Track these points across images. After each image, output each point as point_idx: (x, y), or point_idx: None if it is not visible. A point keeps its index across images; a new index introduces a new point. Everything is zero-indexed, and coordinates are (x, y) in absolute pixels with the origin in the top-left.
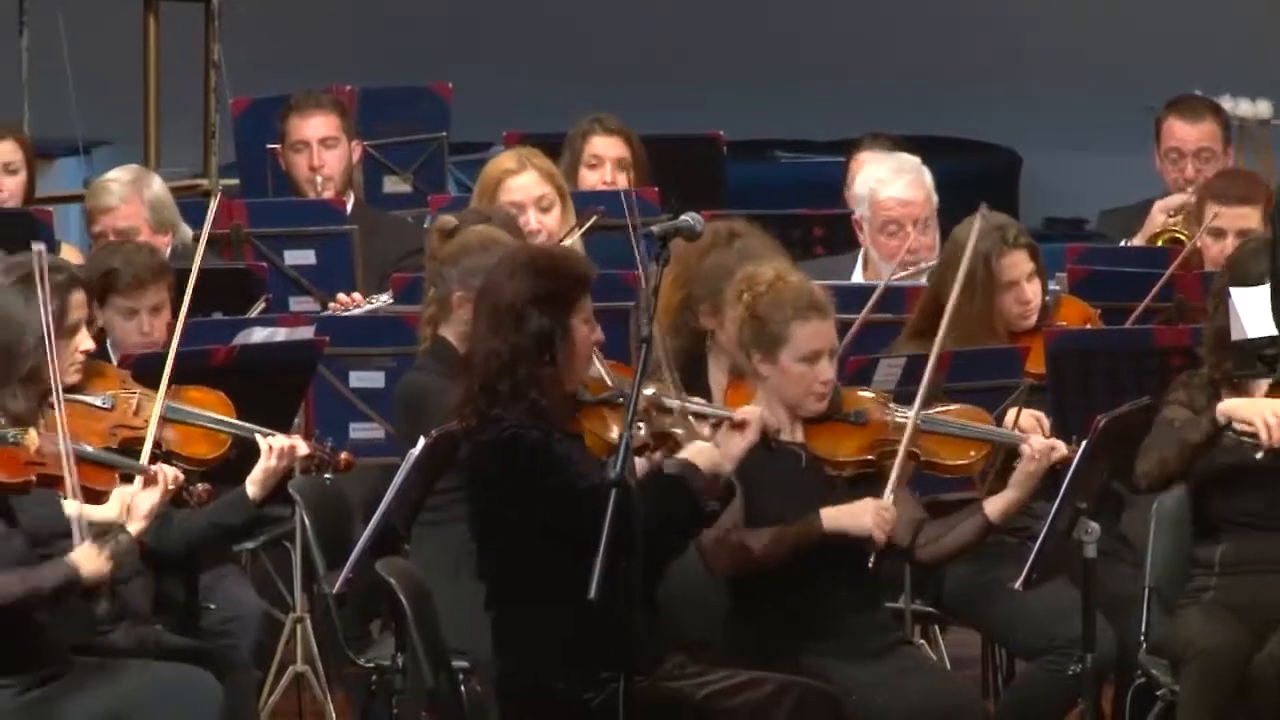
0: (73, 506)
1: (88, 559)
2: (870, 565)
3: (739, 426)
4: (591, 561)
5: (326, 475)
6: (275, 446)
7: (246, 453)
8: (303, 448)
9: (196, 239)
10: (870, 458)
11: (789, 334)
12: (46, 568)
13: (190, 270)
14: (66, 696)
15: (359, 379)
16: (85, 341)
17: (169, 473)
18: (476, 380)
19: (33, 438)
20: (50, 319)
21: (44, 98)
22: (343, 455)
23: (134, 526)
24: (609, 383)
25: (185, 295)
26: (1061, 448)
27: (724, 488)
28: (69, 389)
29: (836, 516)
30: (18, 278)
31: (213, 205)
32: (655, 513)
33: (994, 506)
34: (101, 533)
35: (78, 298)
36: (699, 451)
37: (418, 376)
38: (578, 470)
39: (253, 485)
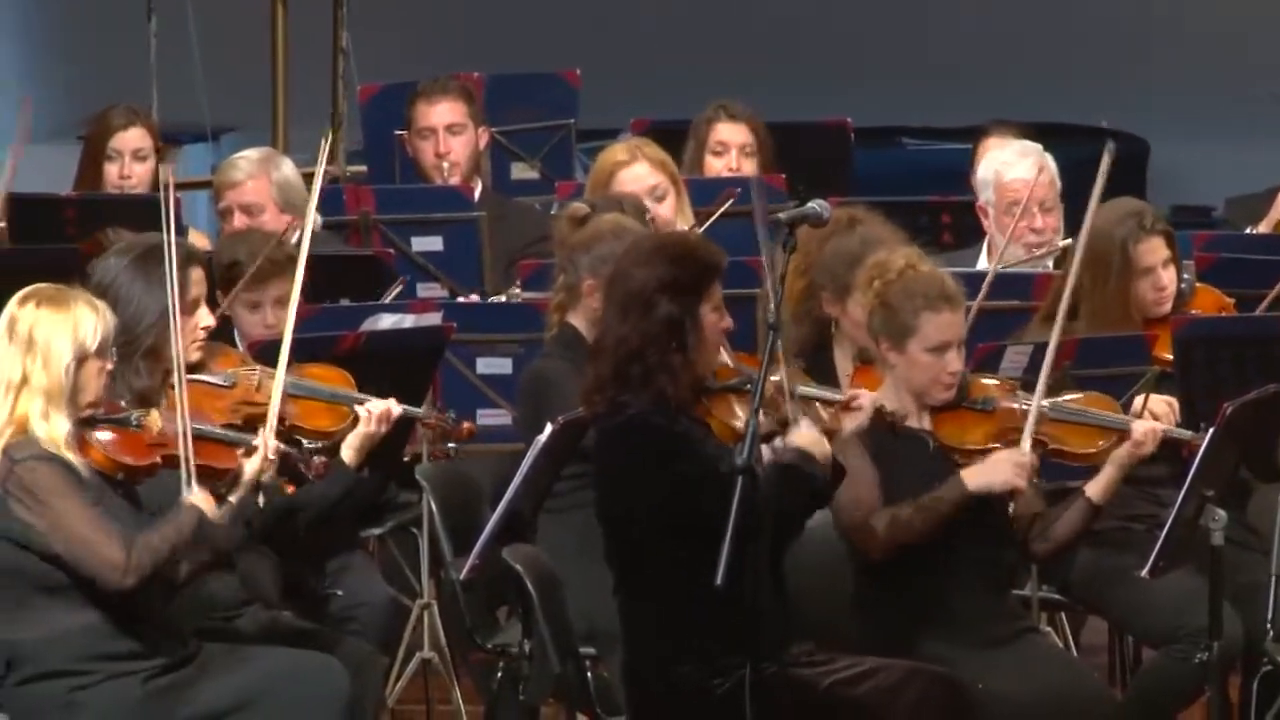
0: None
1: (200, 499)
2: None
3: (848, 408)
4: (718, 548)
5: (450, 445)
6: (372, 411)
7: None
8: (396, 409)
9: (328, 226)
10: (997, 445)
11: (918, 324)
12: (170, 520)
13: (314, 254)
14: (193, 682)
15: (486, 365)
16: (205, 318)
17: (270, 442)
18: (606, 366)
19: (155, 419)
20: (175, 296)
21: (172, 84)
22: (465, 425)
23: (234, 495)
24: (735, 370)
25: (297, 278)
26: (1158, 433)
27: (833, 469)
28: (190, 367)
29: (976, 475)
30: (136, 255)
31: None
32: (775, 499)
33: (1095, 489)
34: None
35: (196, 274)
36: (804, 436)
37: (545, 363)
38: (703, 458)
39: (348, 450)
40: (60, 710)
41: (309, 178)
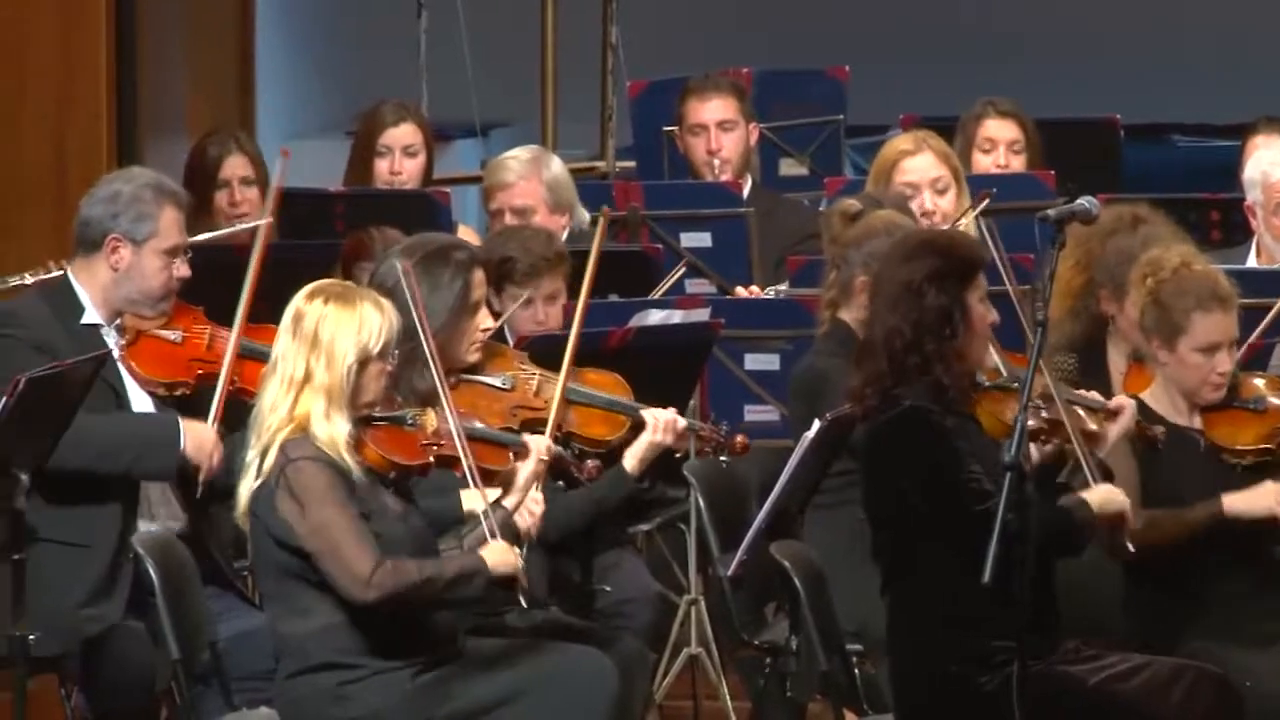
0: (475, 500)
1: (495, 554)
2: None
3: (1113, 415)
4: (986, 545)
5: (722, 459)
6: (660, 421)
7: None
8: (681, 422)
9: (595, 221)
10: (1269, 446)
11: (1189, 324)
12: (452, 558)
13: (588, 251)
14: (460, 677)
15: (754, 361)
16: (485, 320)
17: (542, 444)
18: (879, 361)
19: (430, 419)
20: (453, 298)
21: (442, 80)
22: (738, 438)
23: (510, 500)
24: (1003, 371)
25: (585, 279)
26: None
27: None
28: (468, 369)
29: (1235, 501)
30: (419, 258)
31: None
32: (1040, 530)
33: None
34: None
35: (478, 277)
36: (1099, 495)
37: (816, 359)
38: (971, 455)
39: (631, 459)
40: (329, 704)
41: (577, 174)
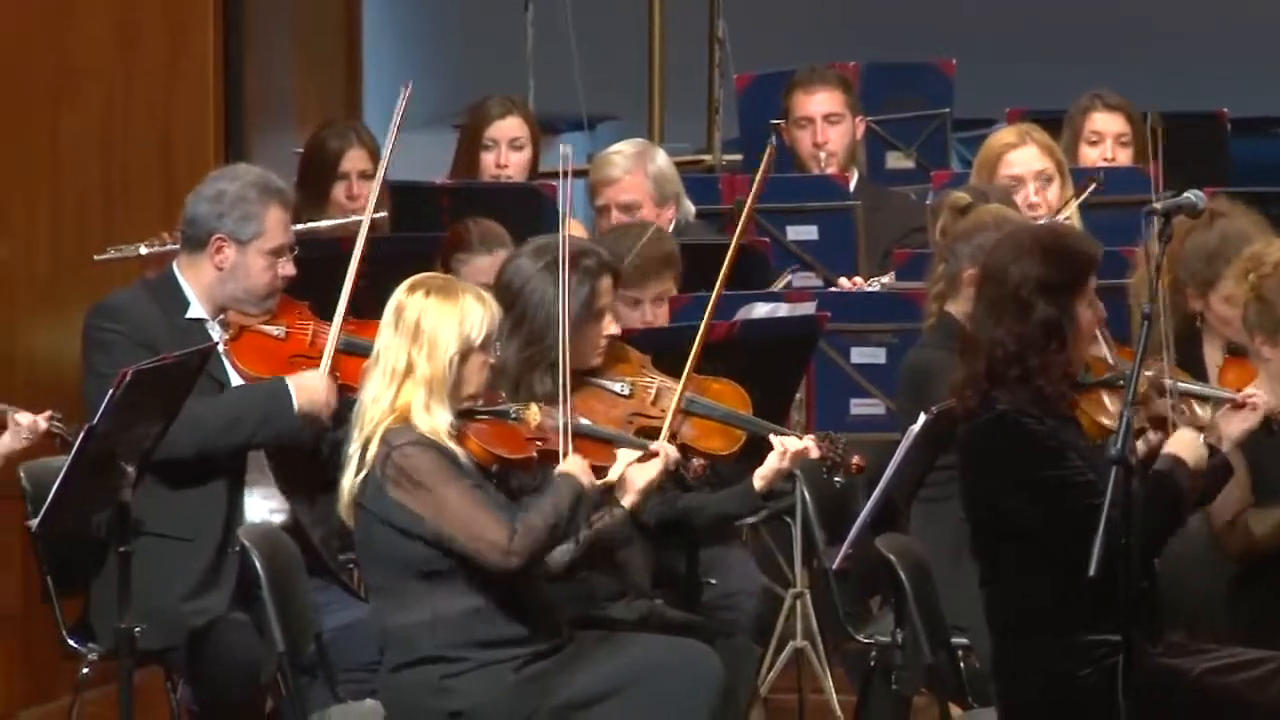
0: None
1: (571, 466)
2: None
3: (1241, 407)
4: (1087, 542)
5: (836, 479)
6: (789, 449)
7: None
8: (814, 450)
9: (700, 215)
10: None
11: None
12: (547, 495)
13: (694, 245)
14: (565, 669)
15: (860, 355)
16: (611, 326)
17: (670, 452)
18: (979, 364)
19: (533, 413)
20: (578, 304)
21: (548, 73)
22: (854, 460)
23: (628, 500)
24: (1111, 361)
25: (716, 285)
26: None
27: (1222, 467)
28: (589, 372)
29: None
30: (548, 262)
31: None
32: (1143, 508)
33: None
34: (598, 503)
35: (606, 283)
36: (1184, 444)
37: (925, 353)
38: (1071, 457)
39: (760, 480)
40: (433, 696)
41: (683, 167)
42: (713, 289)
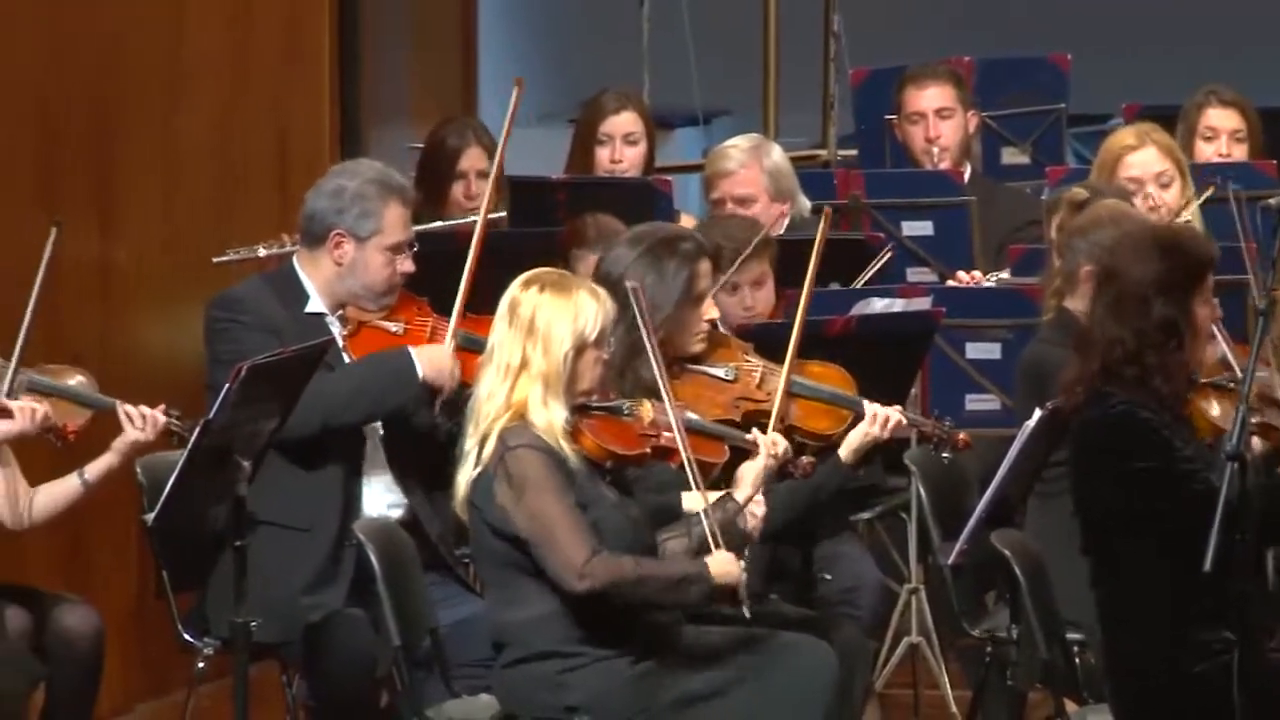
0: (696, 501)
1: (720, 563)
2: None
3: None
4: (1200, 539)
5: (944, 455)
6: (880, 416)
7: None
8: (903, 420)
9: (817, 210)
10: None
11: None
12: (674, 560)
13: (809, 240)
14: (681, 665)
15: (975, 350)
16: (710, 311)
17: (779, 444)
18: (1095, 362)
19: (646, 409)
20: (678, 289)
21: (664, 68)
22: (961, 435)
23: (741, 494)
24: (1231, 361)
25: (808, 272)
26: None
27: None
28: (691, 359)
29: None
30: (648, 247)
31: None
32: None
33: None
34: (717, 503)
35: (704, 267)
36: None
37: (1041, 348)
38: (1183, 456)
39: (848, 450)
40: (549, 692)
41: (798, 162)
42: (826, 284)
